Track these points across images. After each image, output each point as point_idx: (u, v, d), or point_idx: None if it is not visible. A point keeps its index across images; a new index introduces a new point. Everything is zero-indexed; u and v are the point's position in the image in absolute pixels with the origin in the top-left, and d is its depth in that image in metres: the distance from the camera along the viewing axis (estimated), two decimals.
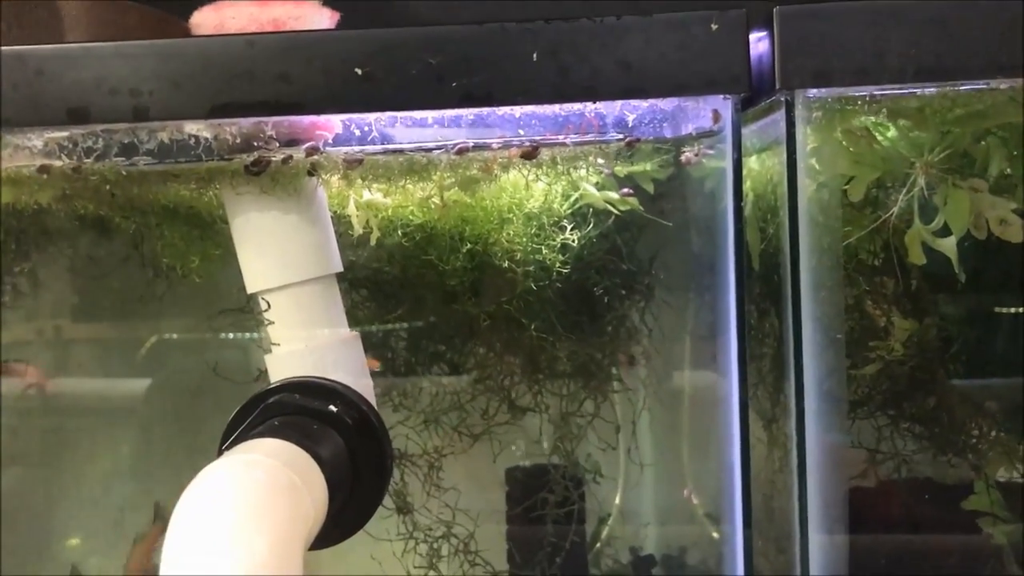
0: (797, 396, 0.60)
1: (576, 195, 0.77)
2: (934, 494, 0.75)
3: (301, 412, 0.58)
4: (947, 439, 0.73)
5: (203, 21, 0.66)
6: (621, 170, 0.76)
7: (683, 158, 0.72)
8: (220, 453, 0.58)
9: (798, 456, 0.60)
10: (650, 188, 0.77)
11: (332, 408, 0.58)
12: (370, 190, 0.69)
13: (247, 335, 0.86)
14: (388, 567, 0.84)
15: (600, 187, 0.76)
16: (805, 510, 0.60)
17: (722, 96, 0.59)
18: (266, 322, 0.66)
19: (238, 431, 0.57)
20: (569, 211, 0.76)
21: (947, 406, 0.72)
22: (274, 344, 0.66)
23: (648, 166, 0.76)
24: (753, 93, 0.59)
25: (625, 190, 0.76)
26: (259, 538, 0.45)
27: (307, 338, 0.65)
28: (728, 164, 0.60)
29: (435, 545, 0.86)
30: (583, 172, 0.73)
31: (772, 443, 0.73)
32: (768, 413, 0.74)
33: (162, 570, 0.45)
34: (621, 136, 0.62)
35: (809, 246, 0.61)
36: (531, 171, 0.67)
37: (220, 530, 0.45)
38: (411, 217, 0.76)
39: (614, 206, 0.77)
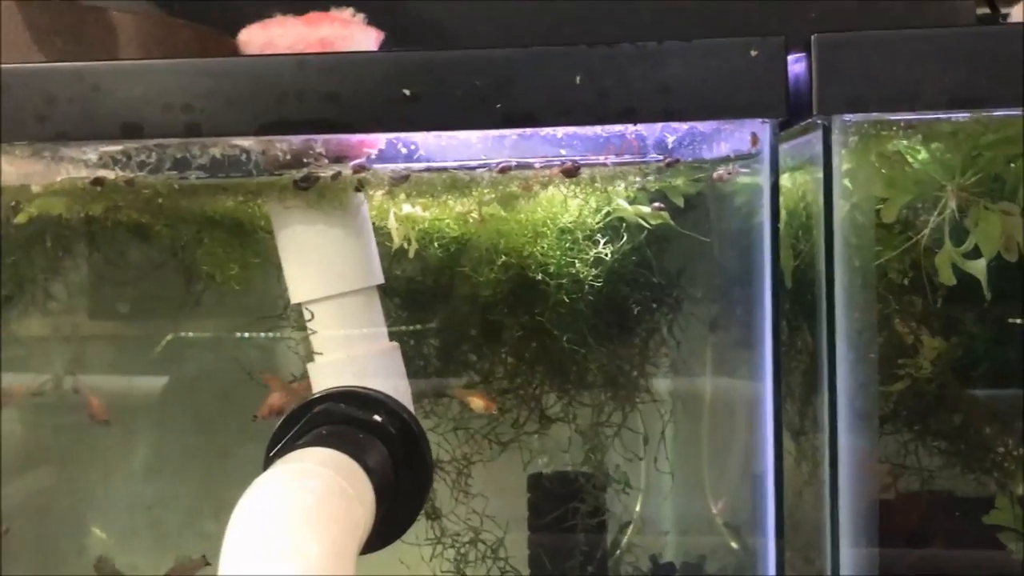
0: (830, 411, 0.61)
1: (608, 208, 0.78)
2: (955, 508, 0.76)
3: (347, 421, 0.60)
4: (972, 455, 0.74)
5: (251, 39, 0.68)
6: (652, 184, 0.77)
7: (715, 175, 0.74)
8: (267, 460, 0.60)
9: (830, 470, 0.61)
10: (680, 202, 0.79)
11: (377, 418, 0.60)
12: (411, 204, 0.71)
13: (266, 335, 0.88)
14: (416, 571, 0.86)
15: (631, 201, 0.78)
16: (837, 523, 0.61)
17: (760, 120, 0.61)
18: (309, 332, 0.68)
19: (285, 439, 0.59)
20: (601, 225, 0.78)
21: (973, 423, 0.74)
22: (317, 353, 0.68)
23: (679, 181, 0.77)
24: (789, 115, 0.61)
25: (656, 204, 0.78)
26: (314, 545, 0.46)
27: (349, 348, 0.67)
28: (765, 186, 0.62)
29: (462, 551, 0.88)
30: (615, 189, 0.75)
31: (800, 456, 0.74)
32: (796, 426, 0.75)
33: (219, 574, 0.47)
34: (661, 157, 0.64)
35: (842, 265, 0.62)
36: (570, 188, 0.68)
37: (276, 537, 0.46)
38: (447, 230, 0.78)
39: (646, 220, 0.78)
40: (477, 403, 0.78)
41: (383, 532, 0.59)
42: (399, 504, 0.60)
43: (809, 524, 0.73)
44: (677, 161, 0.64)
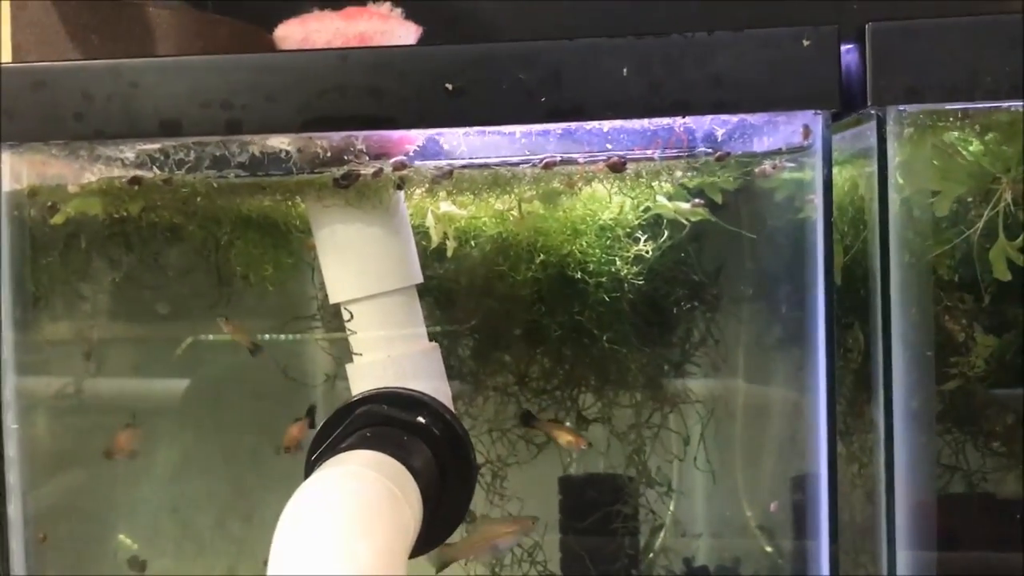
0: (886, 411, 0.60)
1: (647, 204, 0.77)
2: (1007, 510, 0.74)
3: (390, 423, 0.59)
4: None
5: (288, 34, 0.67)
6: (690, 181, 0.76)
7: (758, 170, 0.72)
8: (310, 462, 0.59)
9: (886, 471, 0.60)
10: (718, 198, 0.77)
11: (420, 419, 0.59)
12: (451, 202, 0.70)
13: (293, 337, 0.87)
14: (450, 572, 0.85)
15: (670, 197, 0.77)
16: (893, 524, 0.60)
17: (813, 112, 0.59)
18: (348, 332, 0.67)
19: (328, 441, 0.58)
20: (641, 222, 0.76)
21: None
22: (356, 354, 0.67)
23: (718, 177, 0.76)
24: (842, 106, 0.59)
25: (697, 200, 0.76)
26: (364, 547, 0.45)
27: (389, 348, 0.66)
28: (818, 179, 0.60)
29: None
30: (660, 185, 0.73)
31: (849, 457, 0.72)
32: (843, 426, 0.73)
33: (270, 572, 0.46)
34: (711, 150, 0.62)
35: (896, 260, 0.61)
36: (614, 184, 0.67)
37: (325, 540, 0.45)
38: (484, 228, 0.76)
39: (685, 217, 0.77)
40: (565, 438, 0.77)
41: (429, 534, 0.57)
42: (444, 506, 0.59)
43: (857, 526, 0.72)
44: (728, 155, 0.62)
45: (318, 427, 0.60)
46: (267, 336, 0.89)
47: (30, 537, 0.66)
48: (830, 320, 0.61)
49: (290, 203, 0.69)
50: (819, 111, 0.59)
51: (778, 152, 0.64)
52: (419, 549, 0.58)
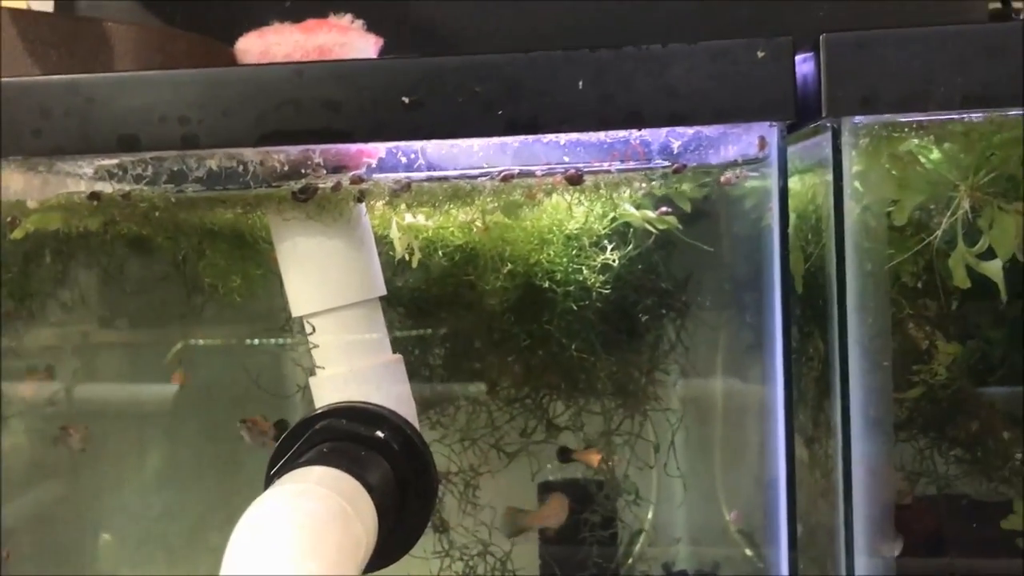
0: (843, 417, 0.60)
1: (614, 214, 0.77)
2: (971, 513, 0.74)
3: (348, 438, 0.59)
4: (989, 461, 0.73)
5: (248, 47, 0.67)
6: (658, 190, 0.76)
7: (723, 178, 0.73)
8: (269, 478, 0.59)
9: (843, 477, 0.60)
10: (687, 207, 0.78)
11: (379, 434, 0.59)
12: (412, 214, 0.70)
13: (262, 343, 0.87)
14: None
15: (637, 206, 0.77)
16: (851, 531, 0.60)
17: (768, 123, 0.59)
18: (311, 345, 0.67)
19: (287, 456, 0.58)
20: (608, 231, 0.76)
21: (990, 428, 0.72)
22: (318, 367, 0.67)
23: (685, 186, 0.76)
24: (798, 117, 0.59)
25: (663, 209, 0.77)
26: (313, 566, 0.45)
27: (351, 361, 0.66)
28: (774, 190, 0.60)
29: (471, 563, 0.86)
30: (621, 196, 0.74)
31: (812, 463, 0.73)
32: (809, 432, 0.74)
33: None
34: (667, 163, 0.62)
35: (854, 269, 0.61)
36: (574, 195, 0.67)
37: (274, 560, 0.45)
38: (451, 238, 0.76)
39: (652, 225, 0.77)
40: (598, 460, 0.78)
41: (387, 550, 0.57)
42: (404, 521, 0.59)
43: (824, 532, 0.72)
44: (684, 167, 0.63)
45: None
46: (242, 340, 0.89)
47: None
48: (787, 327, 0.62)
49: (254, 215, 0.69)
50: (774, 123, 0.59)
51: (734, 164, 0.64)
52: (377, 564, 0.58)
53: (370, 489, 0.53)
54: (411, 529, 0.59)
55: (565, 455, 0.82)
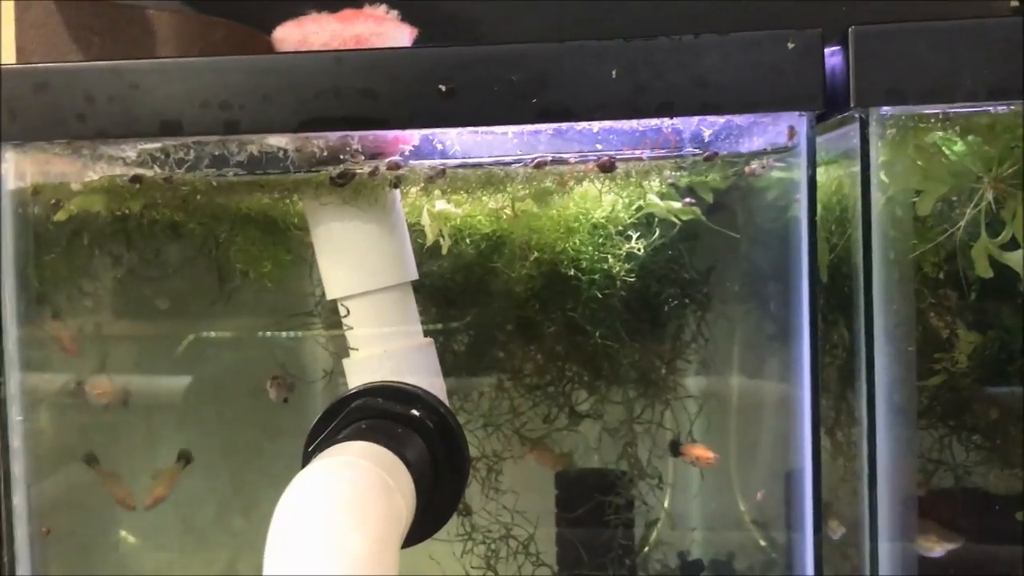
0: (868, 406, 0.61)
1: (639, 203, 0.78)
2: (990, 504, 0.75)
3: (384, 416, 0.60)
4: (1008, 450, 0.74)
5: (286, 36, 0.69)
6: (683, 180, 0.77)
7: (748, 169, 0.74)
8: (306, 455, 0.61)
9: (868, 465, 0.61)
10: (709, 198, 0.79)
11: (415, 412, 0.60)
12: (446, 200, 0.71)
13: (289, 335, 0.88)
14: (446, 567, 0.86)
15: (662, 196, 0.78)
16: (875, 518, 0.61)
17: (797, 113, 0.61)
18: (345, 328, 0.68)
19: (324, 433, 0.60)
20: (633, 219, 0.78)
21: (1010, 417, 0.73)
22: (352, 349, 0.68)
23: (709, 176, 0.77)
24: (826, 108, 0.60)
25: (688, 200, 0.78)
26: (357, 536, 0.47)
27: (384, 343, 0.67)
28: (802, 180, 0.62)
29: (493, 547, 0.88)
30: (653, 183, 0.75)
31: (835, 451, 0.74)
32: (830, 421, 0.75)
33: (264, 570, 0.47)
34: (698, 151, 0.64)
35: (880, 259, 0.62)
36: (604, 183, 0.69)
37: (319, 530, 0.47)
38: (479, 226, 0.78)
39: (676, 216, 0.78)
40: (705, 456, 0.79)
41: (422, 526, 0.59)
42: (437, 498, 0.60)
43: (845, 520, 0.73)
44: (715, 155, 0.64)
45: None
46: (268, 334, 0.91)
47: (34, 530, 0.67)
48: (814, 317, 0.63)
49: (288, 201, 0.71)
50: (803, 112, 0.61)
51: (764, 152, 0.66)
52: (413, 539, 0.59)
53: (408, 465, 0.54)
54: (444, 506, 0.61)
55: (676, 449, 0.83)
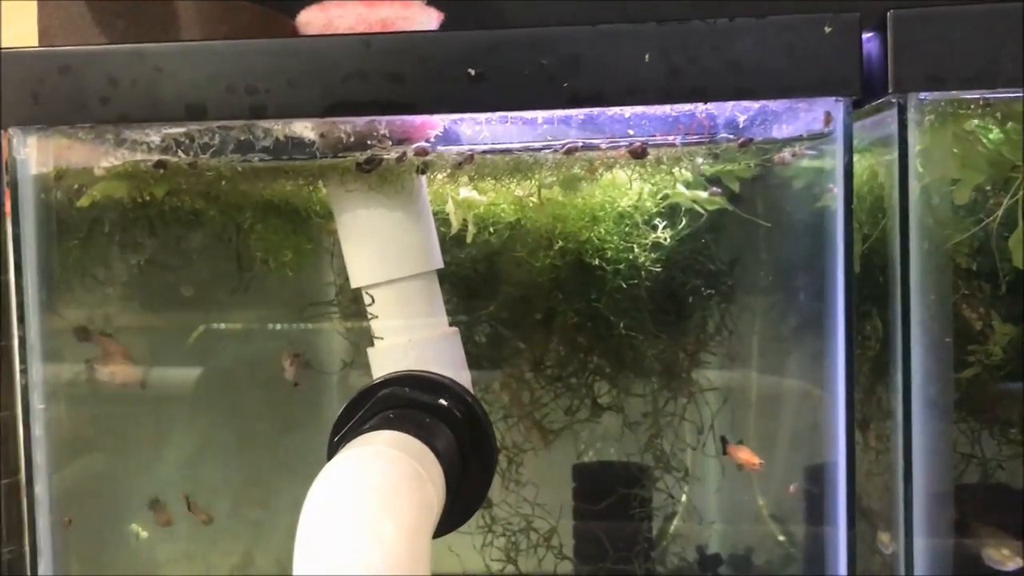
0: (904, 398, 0.60)
1: (665, 192, 0.77)
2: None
3: (412, 405, 0.59)
4: None
5: (310, 20, 0.68)
6: (708, 169, 0.76)
7: (777, 158, 0.73)
8: (332, 445, 0.60)
9: (904, 458, 0.60)
10: (736, 187, 0.77)
11: (442, 402, 0.59)
12: (474, 188, 0.70)
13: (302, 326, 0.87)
14: (466, 560, 0.85)
15: (688, 185, 0.77)
16: (911, 512, 0.60)
17: (834, 98, 0.59)
18: (370, 316, 0.67)
19: (351, 423, 0.59)
20: (660, 208, 0.77)
21: None
22: (377, 338, 0.67)
23: (737, 166, 0.76)
24: (862, 94, 0.59)
25: (714, 189, 0.77)
26: (389, 526, 0.46)
27: (410, 332, 0.66)
28: (839, 166, 0.60)
29: (513, 539, 0.87)
30: (680, 172, 0.74)
31: (865, 444, 0.73)
32: (860, 414, 0.74)
33: (295, 559, 0.46)
34: (732, 137, 0.62)
35: (916, 248, 0.61)
36: (634, 170, 0.67)
37: (351, 519, 0.46)
38: (503, 214, 0.77)
39: (702, 205, 0.77)
40: (749, 460, 0.78)
41: (450, 517, 0.58)
42: (465, 489, 0.59)
43: (875, 514, 0.72)
44: (750, 141, 0.63)
45: None
46: (279, 326, 0.90)
47: (56, 519, 0.67)
48: (849, 308, 0.62)
49: (311, 188, 0.70)
50: (840, 98, 0.59)
51: (799, 139, 0.64)
52: (440, 531, 0.58)
53: (438, 454, 0.53)
54: (472, 497, 0.60)
55: (724, 444, 0.82)
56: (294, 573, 0.46)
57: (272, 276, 0.86)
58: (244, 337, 0.92)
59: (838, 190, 0.60)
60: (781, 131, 0.65)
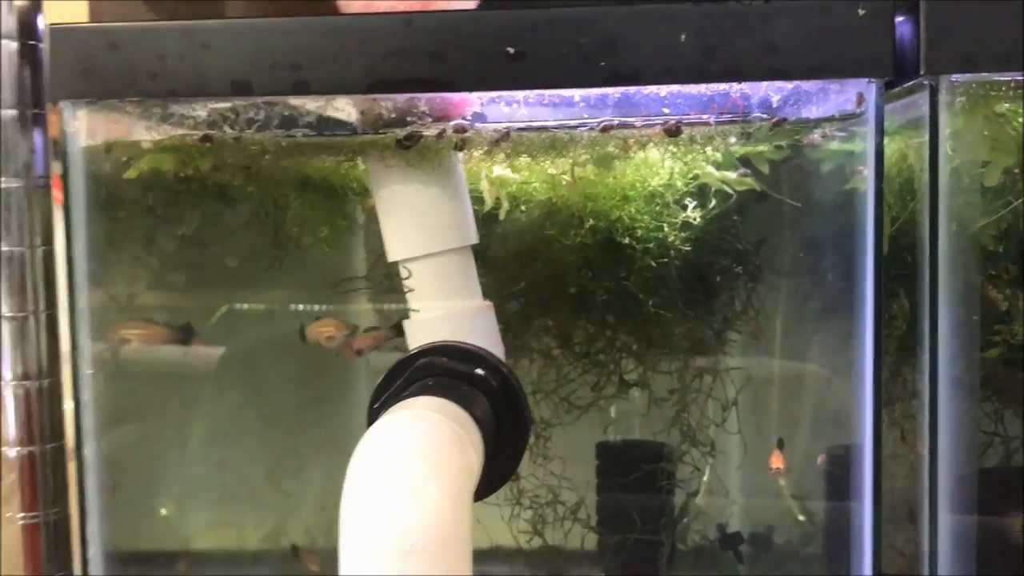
0: (931, 377, 0.61)
1: (695, 173, 0.78)
2: None
3: (449, 375, 0.61)
4: None
5: None
6: (738, 150, 0.77)
7: (807, 140, 0.74)
8: (372, 412, 0.62)
9: (930, 437, 0.61)
10: (765, 169, 0.78)
11: (479, 371, 0.61)
12: (509, 162, 0.72)
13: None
14: (494, 532, 0.87)
15: (718, 166, 0.78)
16: (936, 491, 0.61)
17: (867, 80, 0.60)
18: (406, 289, 0.69)
19: (390, 390, 0.60)
20: (689, 189, 0.78)
21: None
22: (413, 311, 0.69)
23: (765, 147, 0.77)
24: (895, 75, 0.60)
25: (743, 170, 0.78)
26: (433, 487, 0.47)
27: (445, 306, 0.68)
28: (870, 147, 0.61)
29: (540, 511, 0.89)
30: (711, 152, 0.75)
31: (890, 423, 0.74)
32: (886, 394, 0.75)
33: (341, 518, 0.48)
34: (766, 116, 0.64)
35: (945, 231, 0.62)
36: (667, 149, 0.69)
37: (396, 481, 0.48)
38: (535, 193, 0.78)
39: (731, 186, 0.78)
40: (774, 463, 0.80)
41: (484, 485, 0.60)
42: (499, 458, 0.61)
43: (899, 493, 0.73)
44: (784, 120, 0.64)
45: None
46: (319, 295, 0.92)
47: (103, 484, 0.69)
48: (878, 290, 0.62)
49: (350, 165, 0.71)
50: (873, 79, 0.60)
51: (831, 119, 0.65)
52: (478, 495, 0.60)
53: (477, 421, 0.55)
54: (505, 466, 0.61)
55: (781, 443, 0.83)
56: (340, 535, 0.48)
57: (307, 253, 0.87)
58: (278, 313, 0.93)
59: (869, 169, 0.61)
60: (813, 112, 0.66)
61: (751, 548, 0.91)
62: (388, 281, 0.85)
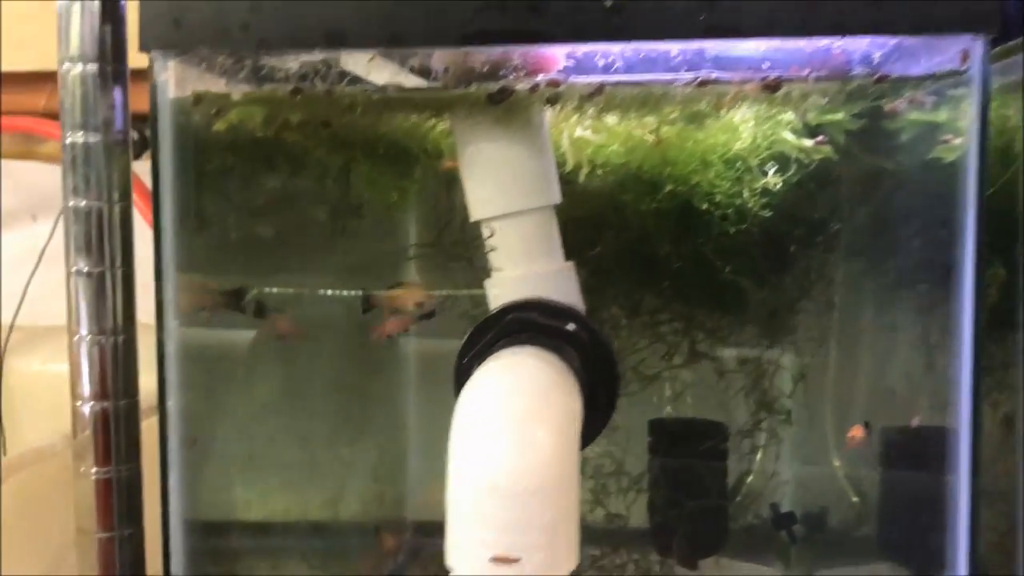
0: None
1: (771, 140, 0.77)
2: None
3: (540, 330, 0.60)
4: None
5: None
6: (814, 118, 0.76)
7: (888, 107, 0.72)
8: (460, 366, 0.61)
9: None
10: (841, 139, 0.77)
11: (571, 326, 0.60)
12: (592, 126, 0.71)
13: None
14: None
15: (796, 132, 0.77)
16: None
17: (971, 36, 0.59)
18: (488, 248, 0.69)
19: (479, 345, 0.60)
20: (771, 153, 0.77)
21: None
22: (495, 269, 0.69)
23: (842, 115, 0.76)
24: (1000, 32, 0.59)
25: (820, 138, 0.77)
26: (540, 428, 0.47)
27: (529, 264, 0.67)
28: (974, 107, 0.60)
29: (601, 481, 0.88)
30: (789, 117, 0.74)
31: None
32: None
33: (450, 467, 0.48)
34: (869, 72, 0.63)
35: None
36: (761, 107, 0.68)
37: (505, 424, 0.47)
38: (614, 156, 0.77)
39: (808, 153, 0.77)
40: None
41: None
42: (589, 412, 0.60)
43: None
44: (887, 76, 0.63)
45: None
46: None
47: (184, 437, 0.69)
48: (979, 260, 0.61)
49: (434, 123, 0.71)
50: (979, 35, 0.59)
51: (933, 76, 0.64)
52: None
53: (575, 372, 0.54)
54: (596, 421, 0.61)
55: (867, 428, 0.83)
56: (448, 480, 0.48)
57: (376, 216, 0.87)
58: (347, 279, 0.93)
59: (972, 131, 0.60)
60: (913, 71, 0.65)
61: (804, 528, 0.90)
62: (459, 247, 0.84)
